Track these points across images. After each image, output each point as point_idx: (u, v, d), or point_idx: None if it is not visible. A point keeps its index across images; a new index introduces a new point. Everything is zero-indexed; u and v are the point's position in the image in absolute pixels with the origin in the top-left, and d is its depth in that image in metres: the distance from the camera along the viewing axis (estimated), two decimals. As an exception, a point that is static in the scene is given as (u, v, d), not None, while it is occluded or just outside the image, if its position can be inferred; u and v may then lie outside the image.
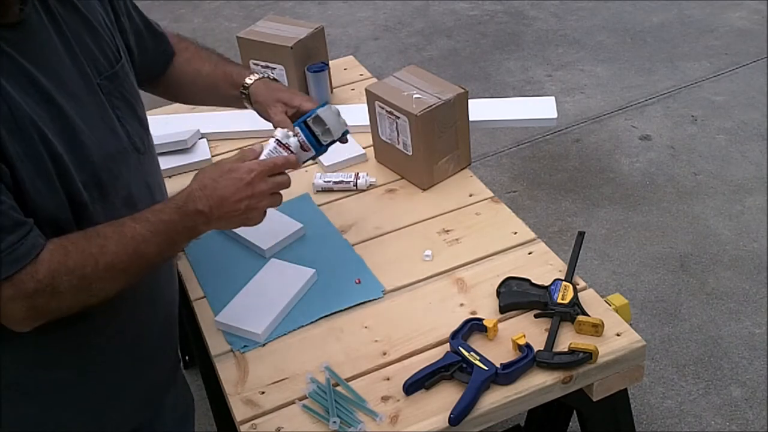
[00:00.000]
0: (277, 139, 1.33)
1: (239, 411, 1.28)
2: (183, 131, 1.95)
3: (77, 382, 1.24)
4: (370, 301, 1.46)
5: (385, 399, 1.27)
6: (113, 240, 1.10)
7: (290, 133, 1.36)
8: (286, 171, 1.29)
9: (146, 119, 1.31)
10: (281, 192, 1.29)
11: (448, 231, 1.61)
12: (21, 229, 1.03)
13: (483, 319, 1.35)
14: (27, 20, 1.07)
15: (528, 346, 1.29)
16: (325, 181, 1.77)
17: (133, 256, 1.12)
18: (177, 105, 1.96)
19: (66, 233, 1.10)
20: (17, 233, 1.02)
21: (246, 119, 2.04)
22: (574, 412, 1.68)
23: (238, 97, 1.50)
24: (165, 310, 1.38)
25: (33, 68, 1.06)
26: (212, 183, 1.19)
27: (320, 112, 1.39)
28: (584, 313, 1.35)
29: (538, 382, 1.27)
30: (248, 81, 1.48)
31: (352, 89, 2.16)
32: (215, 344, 1.42)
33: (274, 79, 1.53)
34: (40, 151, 1.05)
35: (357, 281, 1.50)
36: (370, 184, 1.77)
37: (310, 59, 2.05)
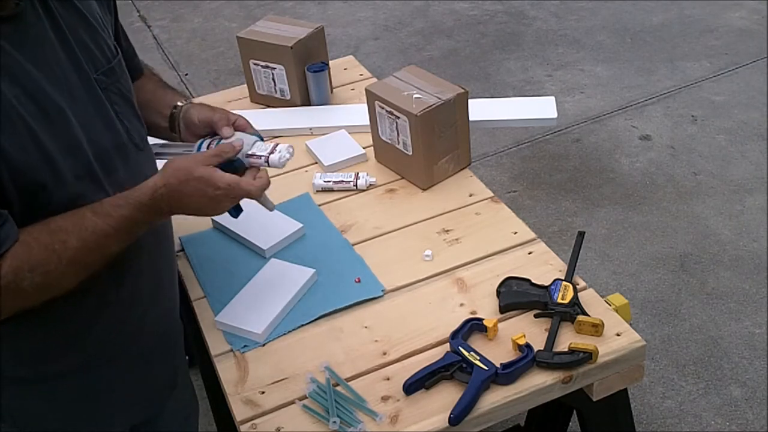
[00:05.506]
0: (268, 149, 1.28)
1: (239, 411, 1.28)
2: None
3: (78, 377, 1.24)
4: (370, 300, 1.46)
5: (385, 399, 1.27)
6: (74, 235, 1.08)
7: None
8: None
9: (141, 116, 1.30)
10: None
11: (448, 231, 1.61)
12: None
13: (483, 319, 1.35)
14: (22, 14, 1.06)
15: (528, 346, 1.29)
16: (325, 181, 1.77)
17: (94, 250, 1.11)
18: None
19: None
20: None
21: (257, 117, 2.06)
22: (574, 412, 1.68)
23: (167, 117, 1.41)
24: (166, 311, 1.38)
25: (27, 62, 1.05)
26: (178, 185, 1.16)
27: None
28: (584, 313, 1.35)
29: (538, 382, 1.27)
30: (180, 102, 1.42)
31: (352, 89, 2.16)
32: (215, 344, 1.42)
33: None
34: (28, 147, 1.04)
35: (357, 280, 1.50)
36: (370, 184, 1.76)
37: (310, 59, 2.05)
